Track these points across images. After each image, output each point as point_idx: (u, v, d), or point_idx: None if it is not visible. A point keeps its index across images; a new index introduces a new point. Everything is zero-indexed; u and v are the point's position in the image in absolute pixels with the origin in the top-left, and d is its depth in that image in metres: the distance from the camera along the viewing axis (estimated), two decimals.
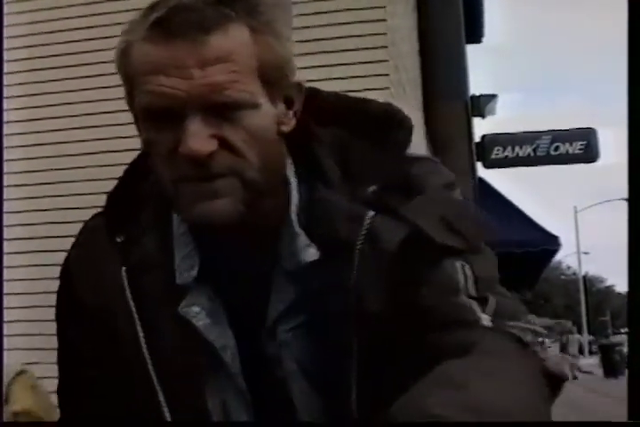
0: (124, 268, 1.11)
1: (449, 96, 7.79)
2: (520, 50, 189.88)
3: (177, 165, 1.00)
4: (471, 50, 11.37)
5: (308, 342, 1.08)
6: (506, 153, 14.61)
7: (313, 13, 4.62)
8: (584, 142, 15.01)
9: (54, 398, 1.26)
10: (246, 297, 1.11)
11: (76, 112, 4.46)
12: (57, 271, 1.22)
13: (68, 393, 1.21)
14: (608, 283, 78.00)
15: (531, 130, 15.30)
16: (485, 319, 0.98)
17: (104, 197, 1.19)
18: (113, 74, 1.10)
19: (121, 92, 1.08)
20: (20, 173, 4.28)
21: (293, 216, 1.08)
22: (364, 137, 1.12)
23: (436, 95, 7.70)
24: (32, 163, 4.45)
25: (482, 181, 14.34)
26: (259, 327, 1.11)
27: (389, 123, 1.14)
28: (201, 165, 0.99)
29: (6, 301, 2.75)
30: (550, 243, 15.86)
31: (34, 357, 2.94)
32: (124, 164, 1.21)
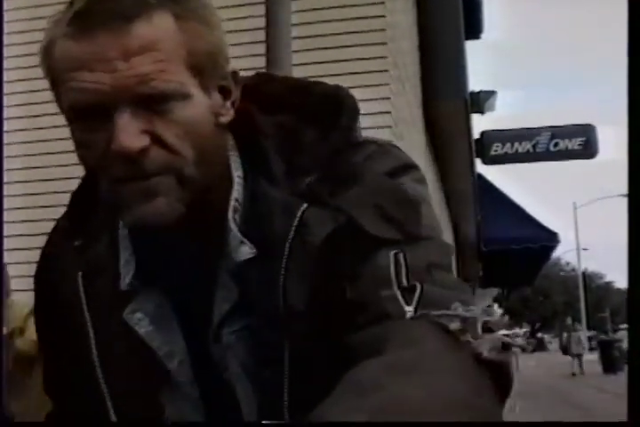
0: (80, 272, 1.09)
1: (448, 92, 7.80)
2: (519, 46, 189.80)
3: (111, 164, 0.96)
4: (470, 46, 11.37)
5: (251, 345, 1.03)
6: (505, 149, 14.64)
7: (312, 9, 4.62)
8: (583, 139, 15.03)
9: None
10: (195, 299, 1.08)
11: None
12: None
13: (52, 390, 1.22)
14: (607, 279, 78.11)
15: (530, 126, 15.32)
16: (409, 311, 0.91)
17: None
18: None
19: None
20: (21, 169, 4.28)
21: (230, 212, 1.03)
22: (310, 124, 1.07)
23: (436, 92, 7.70)
24: (32, 159, 4.45)
25: (481, 178, 14.35)
26: (206, 330, 1.07)
27: (334, 107, 1.09)
28: (134, 163, 0.94)
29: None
30: (549, 239, 15.88)
31: None
32: None
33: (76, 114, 0.97)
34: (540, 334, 74.27)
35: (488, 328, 19.80)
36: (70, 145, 1.01)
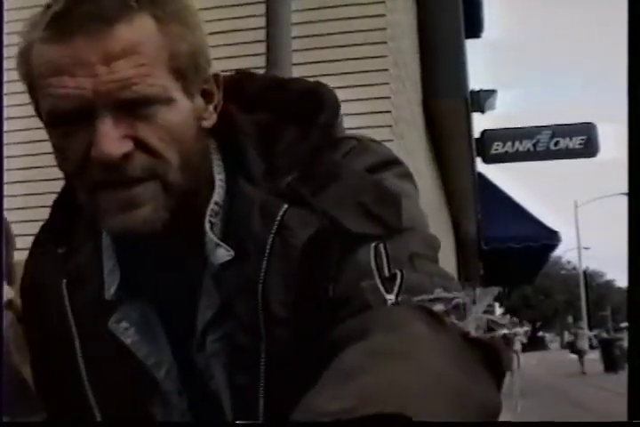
0: (64, 280, 1.07)
1: (448, 91, 7.79)
2: (520, 45, 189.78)
3: (91, 170, 0.93)
4: (470, 45, 11.35)
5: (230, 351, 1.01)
6: (506, 148, 14.64)
7: (313, 9, 4.62)
8: (584, 137, 15.03)
9: None
10: (180, 307, 1.05)
11: None
12: None
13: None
14: (608, 278, 78.09)
15: (530, 125, 15.31)
16: (390, 299, 0.88)
17: None
18: None
19: None
20: (22, 169, 4.28)
21: (207, 216, 1.00)
22: (290, 121, 1.05)
23: (436, 90, 7.69)
24: (33, 159, 4.45)
25: (481, 177, 14.35)
26: (192, 338, 1.04)
27: (313, 104, 1.06)
28: (116, 169, 0.92)
29: None
30: (550, 238, 15.87)
31: None
32: None
33: (56, 119, 0.94)
34: (540, 333, 74.24)
35: (488, 327, 19.74)
36: None
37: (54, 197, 1.14)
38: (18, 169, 4.18)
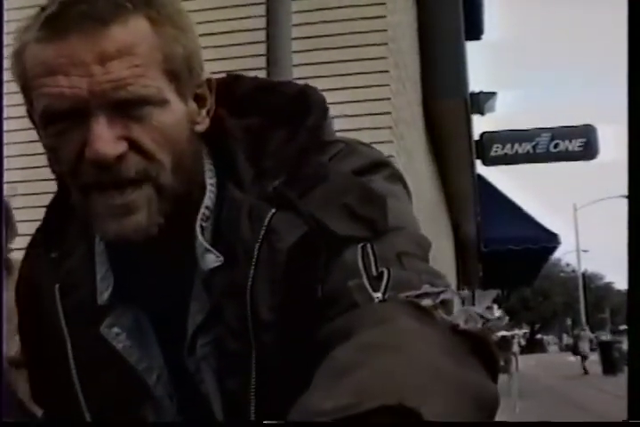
0: (57, 285, 1.07)
1: (448, 93, 7.80)
2: (520, 47, 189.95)
3: (84, 171, 0.93)
4: (470, 47, 11.36)
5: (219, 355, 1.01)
6: (505, 150, 14.65)
7: (313, 10, 4.62)
8: (584, 140, 15.04)
9: None
10: (172, 311, 1.05)
11: None
12: None
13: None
14: (607, 280, 78.11)
15: (530, 127, 15.32)
16: (378, 296, 0.88)
17: None
18: None
19: None
20: (21, 169, 4.28)
21: (198, 220, 1.00)
22: (278, 125, 1.05)
23: (436, 92, 7.70)
24: (33, 159, 4.45)
25: (481, 179, 14.36)
26: (183, 343, 1.04)
27: (301, 107, 1.06)
28: (110, 170, 0.92)
29: None
30: (550, 240, 15.89)
31: None
32: None
33: (49, 119, 0.94)
34: (539, 335, 74.24)
35: (488, 329, 19.75)
36: None
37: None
38: (17, 169, 4.18)
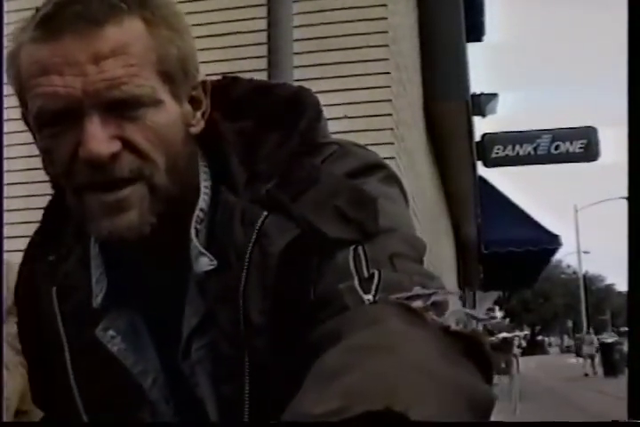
0: (54, 287, 1.07)
1: (450, 95, 7.79)
2: (521, 48, 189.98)
3: (78, 171, 0.93)
4: (472, 48, 11.36)
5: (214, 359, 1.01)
6: (506, 152, 14.63)
7: (315, 11, 4.62)
8: (584, 141, 15.02)
9: None
10: (167, 314, 1.05)
11: None
12: None
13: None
14: (608, 282, 78.08)
15: (531, 129, 15.32)
16: (368, 298, 0.87)
17: None
18: None
19: None
20: (22, 170, 4.29)
21: (192, 222, 1.00)
22: (271, 128, 1.05)
23: (437, 94, 7.69)
24: (33, 161, 4.45)
25: (482, 180, 14.35)
26: (178, 346, 1.04)
27: (294, 109, 1.06)
28: (104, 170, 0.92)
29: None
30: (550, 242, 15.88)
31: None
32: None
33: (43, 120, 0.94)
34: (540, 337, 74.20)
35: (488, 331, 19.80)
36: None
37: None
38: (18, 170, 4.18)
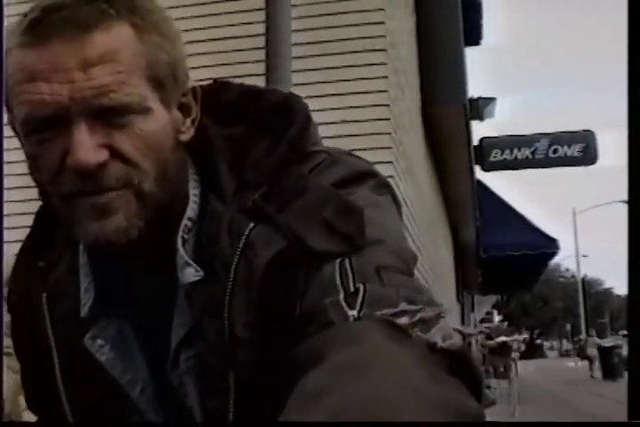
0: (44, 294, 1.06)
1: (448, 99, 7.80)
2: (519, 52, 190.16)
3: (65, 178, 0.92)
4: (470, 52, 11.37)
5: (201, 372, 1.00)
6: (504, 156, 14.63)
7: (312, 16, 4.63)
8: (583, 145, 15.03)
9: None
10: (155, 324, 1.03)
11: None
12: None
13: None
14: (607, 285, 78.12)
15: (529, 132, 15.33)
16: (353, 313, 0.84)
17: None
18: None
19: None
20: (21, 175, 4.28)
21: (180, 232, 0.98)
22: (260, 135, 1.03)
23: (435, 98, 7.70)
24: None
25: (480, 184, 14.36)
26: (167, 356, 1.02)
27: (283, 116, 1.04)
28: (91, 178, 0.90)
29: None
30: (549, 245, 15.89)
31: None
32: None
33: (30, 127, 0.92)
34: (539, 341, 74.17)
35: (487, 335, 19.80)
36: None
37: None
38: (17, 175, 4.18)
